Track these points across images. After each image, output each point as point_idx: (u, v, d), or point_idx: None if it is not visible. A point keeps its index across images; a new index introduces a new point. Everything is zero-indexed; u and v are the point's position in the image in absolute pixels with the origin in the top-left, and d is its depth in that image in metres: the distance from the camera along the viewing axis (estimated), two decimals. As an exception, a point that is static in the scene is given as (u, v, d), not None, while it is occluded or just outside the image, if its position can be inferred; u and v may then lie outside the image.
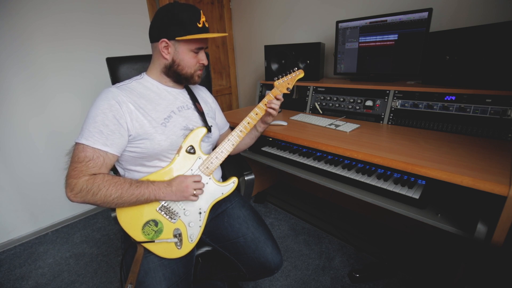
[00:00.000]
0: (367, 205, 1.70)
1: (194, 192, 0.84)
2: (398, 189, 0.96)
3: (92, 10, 1.79)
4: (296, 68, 1.04)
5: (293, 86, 1.76)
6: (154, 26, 0.85)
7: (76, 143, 0.77)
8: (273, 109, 1.00)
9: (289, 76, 1.03)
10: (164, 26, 0.82)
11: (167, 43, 0.83)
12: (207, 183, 0.90)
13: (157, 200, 0.82)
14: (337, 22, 1.54)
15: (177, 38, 0.82)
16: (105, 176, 0.76)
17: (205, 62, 0.91)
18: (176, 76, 0.90)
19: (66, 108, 1.81)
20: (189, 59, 0.87)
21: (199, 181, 0.86)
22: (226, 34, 0.92)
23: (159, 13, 0.84)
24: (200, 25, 0.83)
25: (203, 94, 1.08)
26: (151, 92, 0.88)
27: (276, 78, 1.02)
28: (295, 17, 2.01)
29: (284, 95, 1.04)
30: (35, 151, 1.74)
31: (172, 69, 0.88)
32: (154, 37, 0.85)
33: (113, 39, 1.90)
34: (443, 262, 1.38)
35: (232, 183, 0.95)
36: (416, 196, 0.92)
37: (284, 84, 1.02)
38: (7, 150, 1.65)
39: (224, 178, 1.05)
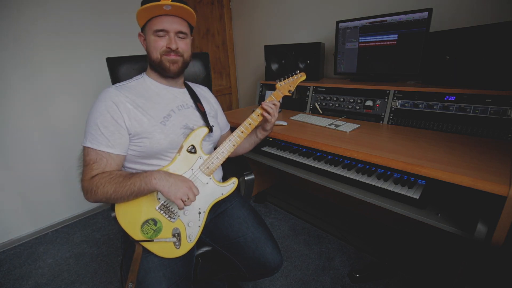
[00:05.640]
0: (367, 205, 1.70)
1: (186, 198, 0.76)
2: (398, 189, 0.96)
3: (92, 10, 1.79)
4: (298, 71, 1.05)
5: (293, 86, 1.77)
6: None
7: (83, 147, 0.79)
8: (268, 112, 0.96)
9: (291, 79, 1.03)
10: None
11: (141, 35, 0.88)
12: (207, 183, 0.90)
13: (148, 189, 0.75)
14: (337, 22, 1.54)
15: (140, 23, 0.85)
16: (103, 174, 0.76)
17: (172, 46, 0.84)
18: (153, 67, 0.90)
19: (66, 108, 1.81)
20: (153, 43, 0.85)
21: (195, 194, 0.80)
22: (189, 8, 0.82)
23: None
24: (160, 2, 0.78)
25: (204, 94, 1.08)
26: (150, 91, 0.89)
27: (278, 80, 1.02)
28: (295, 17, 2.01)
29: (284, 95, 1.04)
30: (35, 151, 1.74)
31: (149, 61, 0.90)
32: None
33: (113, 39, 1.90)
34: (443, 262, 1.38)
35: (232, 184, 0.95)
36: (416, 196, 0.92)
37: (286, 86, 1.03)
38: (7, 150, 1.65)
39: (225, 178, 1.05)
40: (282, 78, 1.03)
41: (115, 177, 0.76)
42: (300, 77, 1.04)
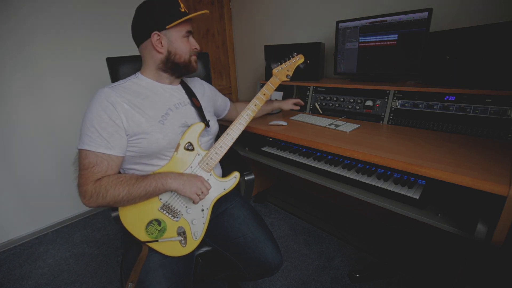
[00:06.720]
0: (367, 205, 1.70)
1: (200, 192, 0.83)
2: (398, 189, 0.96)
3: (92, 10, 1.79)
4: (296, 53, 1.02)
5: (293, 86, 1.76)
6: (138, 25, 0.85)
7: (79, 150, 0.77)
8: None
9: (288, 63, 1.00)
10: (151, 20, 0.82)
11: (159, 35, 0.83)
12: (207, 179, 0.90)
13: (164, 188, 0.80)
14: (337, 22, 1.54)
15: (168, 27, 0.82)
16: (111, 177, 0.76)
17: (198, 46, 0.91)
18: (175, 67, 0.89)
19: (66, 108, 1.81)
20: (183, 45, 0.87)
21: (208, 188, 0.86)
22: (207, 11, 0.88)
23: (139, 12, 0.85)
24: (182, 10, 0.84)
25: (198, 85, 1.07)
26: (147, 91, 0.88)
27: (275, 65, 1.01)
28: (295, 17, 2.01)
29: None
30: (35, 151, 1.74)
31: (169, 61, 0.87)
32: (142, 35, 0.85)
33: (113, 39, 1.90)
34: (443, 262, 1.38)
35: (233, 178, 0.94)
36: (416, 196, 0.92)
37: (283, 71, 1.00)
38: (7, 150, 1.65)
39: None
40: (279, 63, 1.01)
41: (126, 180, 0.76)
42: (298, 60, 1.01)
